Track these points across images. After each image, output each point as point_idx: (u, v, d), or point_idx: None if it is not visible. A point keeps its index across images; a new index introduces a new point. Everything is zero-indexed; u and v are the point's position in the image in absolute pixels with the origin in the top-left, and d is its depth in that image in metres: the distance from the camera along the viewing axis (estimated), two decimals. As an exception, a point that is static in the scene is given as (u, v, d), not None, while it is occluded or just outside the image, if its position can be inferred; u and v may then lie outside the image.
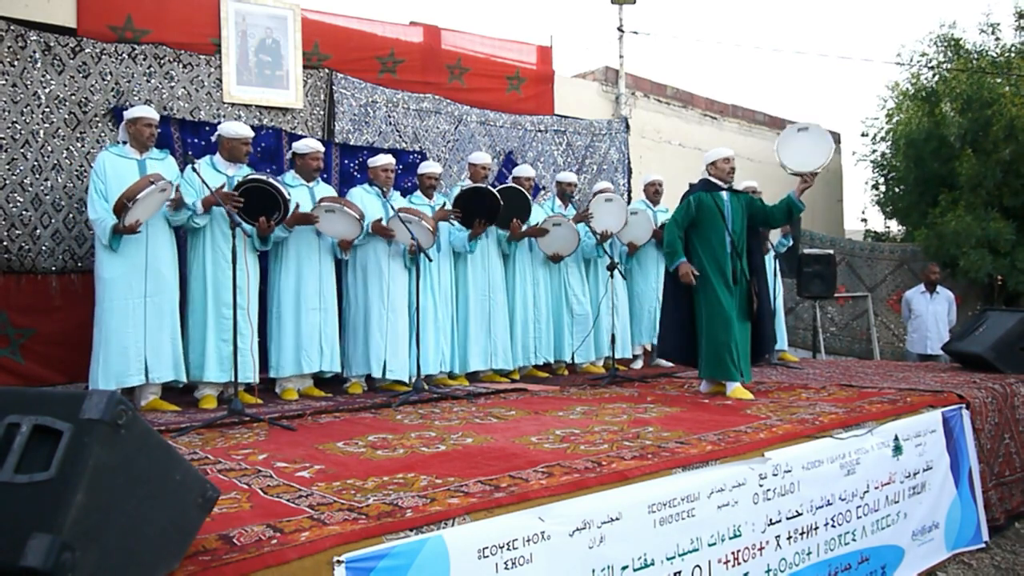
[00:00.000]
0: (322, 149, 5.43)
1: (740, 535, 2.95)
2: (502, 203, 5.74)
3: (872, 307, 10.67)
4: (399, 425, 4.08)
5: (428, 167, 5.97)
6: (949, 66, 10.50)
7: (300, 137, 5.91)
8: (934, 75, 10.78)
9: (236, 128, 5.06)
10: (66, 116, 5.34)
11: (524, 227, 6.10)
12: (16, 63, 5.17)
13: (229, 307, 4.62)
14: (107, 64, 5.50)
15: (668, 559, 2.70)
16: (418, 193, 5.95)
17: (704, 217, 5.04)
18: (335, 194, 5.40)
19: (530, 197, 5.89)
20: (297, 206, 4.99)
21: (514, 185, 5.99)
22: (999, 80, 9.92)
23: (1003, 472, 4.49)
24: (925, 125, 10.41)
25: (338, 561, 1.98)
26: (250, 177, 4.77)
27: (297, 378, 5.35)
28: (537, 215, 6.45)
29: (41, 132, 5.24)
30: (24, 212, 5.16)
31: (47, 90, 5.27)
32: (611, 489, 2.64)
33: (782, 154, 5.09)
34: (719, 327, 4.88)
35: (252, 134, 5.10)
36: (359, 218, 5.10)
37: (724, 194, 5.07)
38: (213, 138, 5.14)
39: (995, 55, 10.42)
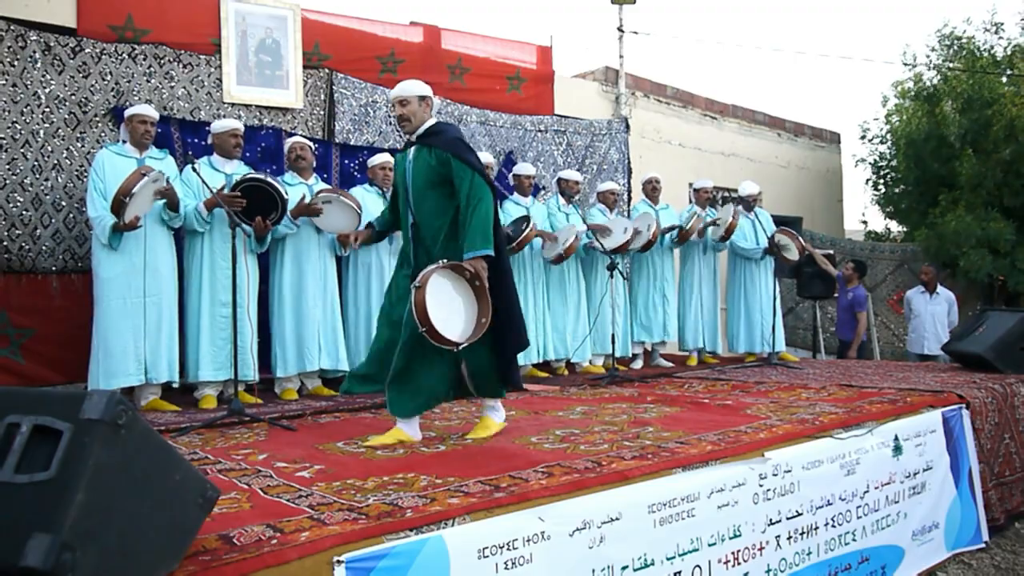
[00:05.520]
0: (300, 139, 5.46)
1: (740, 535, 2.95)
2: (497, 200, 5.76)
3: (872, 307, 10.67)
4: (399, 425, 4.08)
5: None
6: (951, 65, 10.49)
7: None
8: (937, 74, 10.77)
9: (223, 122, 5.15)
10: (66, 116, 5.34)
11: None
12: (16, 63, 5.17)
13: (226, 306, 4.63)
14: (107, 64, 5.50)
15: (668, 559, 2.70)
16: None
17: (397, 188, 3.80)
18: (333, 192, 5.40)
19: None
20: (303, 198, 5.01)
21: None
22: (1002, 80, 9.91)
23: (1003, 472, 4.49)
24: (925, 125, 10.41)
25: (338, 561, 1.98)
26: (248, 176, 4.78)
27: (307, 378, 5.36)
28: (539, 214, 6.47)
29: (41, 132, 5.24)
30: (24, 212, 5.16)
31: (47, 90, 5.27)
32: (611, 489, 2.64)
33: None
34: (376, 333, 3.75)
35: (240, 126, 5.14)
36: (357, 209, 5.08)
37: (411, 149, 3.65)
38: (209, 139, 5.18)
39: (999, 55, 10.40)
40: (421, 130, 3.60)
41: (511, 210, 6.36)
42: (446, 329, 3.29)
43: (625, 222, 6.56)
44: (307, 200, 5.07)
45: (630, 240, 6.38)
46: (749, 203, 7.36)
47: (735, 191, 9.92)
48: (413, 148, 3.63)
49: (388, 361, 3.54)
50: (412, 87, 3.62)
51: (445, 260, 3.39)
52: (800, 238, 7.01)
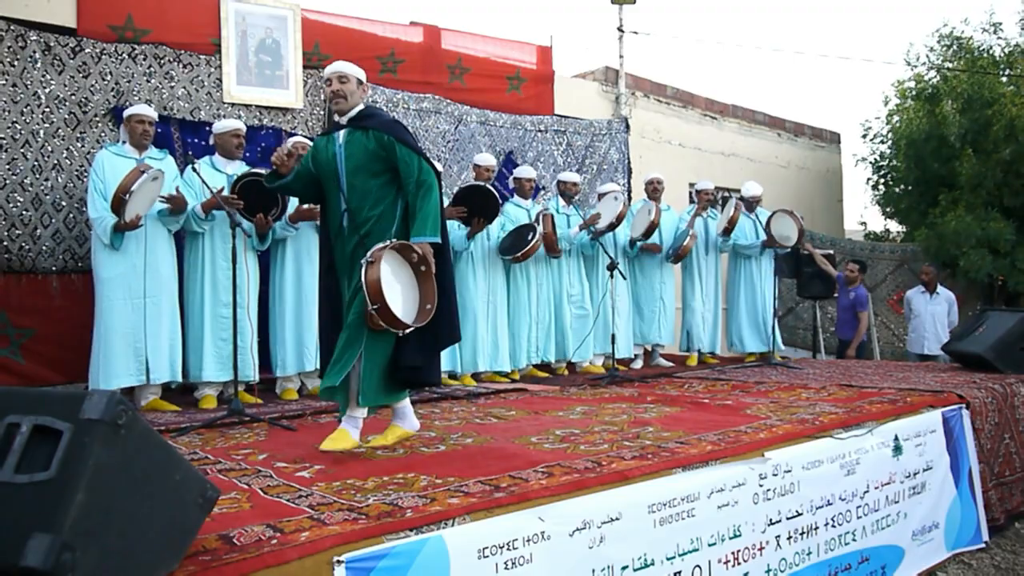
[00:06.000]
0: (301, 139, 5.43)
1: (740, 535, 2.95)
2: (500, 202, 5.79)
3: (872, 307, 10.67)
4: (399, 425, 4.08)
5: (428, 167, 5.96)
6: (950, 65, 10.49)
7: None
8: (937, 74, 10.77)
9: (225, 122, 5.17)
10: (66, 116, 5.34)
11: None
12: (16, 63, 5.16)
13: (228, 306, 4.63)
14: (107, 64, 5.50)
15: (668, 559, 2.70)
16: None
17: (322, 174, 3.49)
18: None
19: (499, 198, 5.87)
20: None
21: (485, 186, 5.88)
22: (1002, 80, 9.90)
23: (1003, 472, 4.49)
24: (925, 125, 10.41)
25: (338, 561, 1.98)
26: (248, 173, 4.79)
27: (307, 377, 5.36)
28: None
29: (41, 132, 5.24)
30: (24, 212, 5.16)
31: (47, 90, 5.27)
32: (611, 489, 2.64)
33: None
34: (321, 329, 3.53)
35: (242, 126, 5.15)
36: None
37: (341, 133, 3.44)
38: (210, 140, 5.18)
39: (998, 55, 10.40)
40: (353, 113, 3.42)
41: (512, 212, 6.37)
42: (397, 308, 3.07)
43: (615, 191, 6.65)
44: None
45: (626, 207, 6.44)
46: (752, 204, 7.37)
47: (736, 191, 9.92)
48: (343, 131, 3.42)
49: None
50: (353, 67, 3.46)
51: (394, 240, 3.24)
52: (798, 216, 6.95)
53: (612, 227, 6.40)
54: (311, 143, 5.39)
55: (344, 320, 3.30)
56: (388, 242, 3.19)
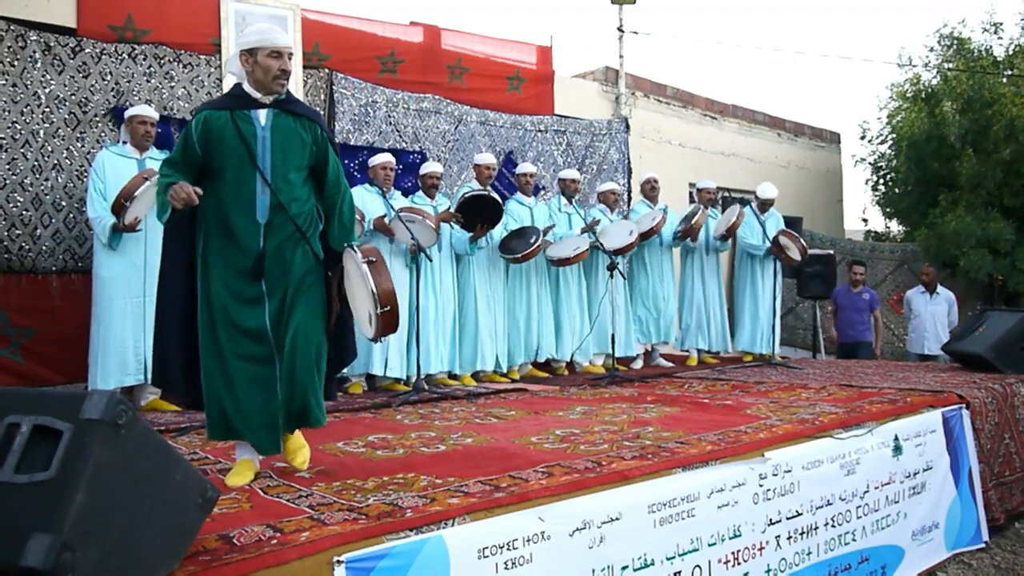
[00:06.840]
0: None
1: (740, 535, 2.95)
2: (504, 209, 5.82)
3: (872, 307, 10.67)
4: (399, 425, 4.09)
5: (430, 167, 5.99)
6: (951, 65, 10.49)
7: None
8: (936, 74, 10.77)
9: None
10: (66, 116, 5.34)
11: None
12: (16, 63, 5.17)
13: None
14: (107, 64, 5.50)
15: (668, 559, 2.70)
16: (420, 193, 5.96)
17: (224, 156, 2.85)
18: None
19: (502, 204, 5.87)
20: None
21: (489, 194, 5.86)
22: (1002, 80, 9.90)
23: (1003, 472, 4.49)
24: (925, 125, 10.40)
25: (338, 561, 1.98)
26: None
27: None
28: (541, 214, 6.49)
29: (41, 132, 5.24)
30: (24, 212, 5.16)
31: (47, 90, 5.27)
32: (611, 489, 2.64)
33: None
34: (208, 358, 2.86)
35: None
36: (359, 218, 5.10)
37: (262, 112, 2.88)
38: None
39: (999, 56, 10.40)
40: (283, 94, 2.92)
41: (515, 209, 6.38)
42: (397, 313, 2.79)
43: (631, 225, 6.60)
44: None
45: (637, 241, 6.43)
46: (765, 205, 7.39)
47: (737, 191, 9.92)
48: (265, 112, 2.87)
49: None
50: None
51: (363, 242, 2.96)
52: (801, 240, 7.06)
53: (616, 252, 6.29)
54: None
55: (272, 337, 2.84)
56: (368, 244, 2.96)
